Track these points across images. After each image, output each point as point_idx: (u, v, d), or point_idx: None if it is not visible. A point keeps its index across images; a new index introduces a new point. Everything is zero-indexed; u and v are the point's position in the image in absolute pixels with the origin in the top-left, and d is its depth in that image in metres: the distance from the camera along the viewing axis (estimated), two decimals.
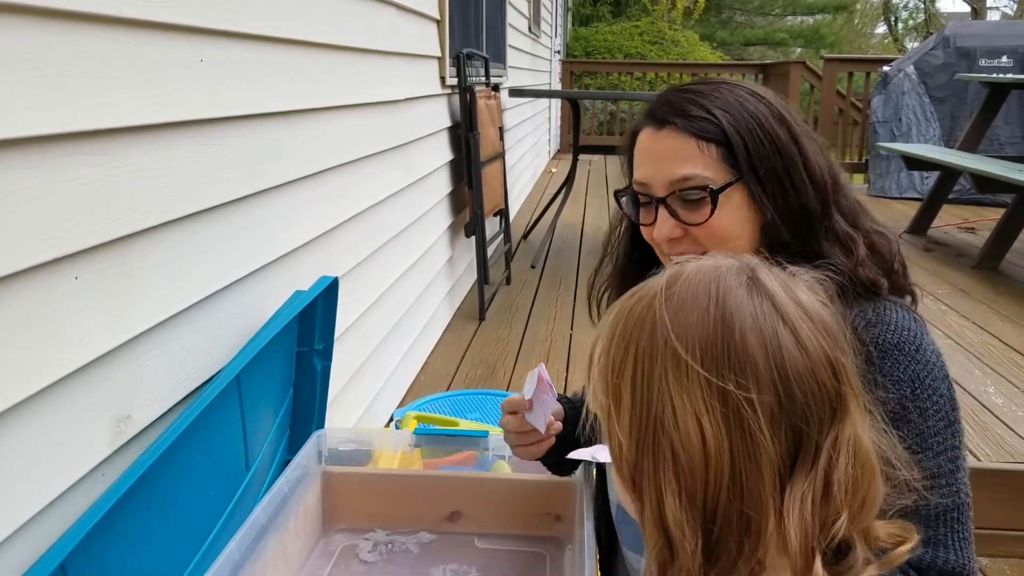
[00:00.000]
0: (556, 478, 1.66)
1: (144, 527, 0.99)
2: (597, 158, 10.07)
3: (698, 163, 0.98)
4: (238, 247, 1.37)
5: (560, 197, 5.06)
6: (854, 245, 0.97)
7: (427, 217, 3.02)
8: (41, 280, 0.89)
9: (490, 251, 3.72)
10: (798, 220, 0.98)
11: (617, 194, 1.09)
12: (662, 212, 1.01)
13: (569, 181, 4.98)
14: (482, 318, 3.56)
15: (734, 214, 0.99)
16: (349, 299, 1.95)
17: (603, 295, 1.23)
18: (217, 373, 1.23)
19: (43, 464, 0.90)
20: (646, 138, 1.03)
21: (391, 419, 2.47)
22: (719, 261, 0.68)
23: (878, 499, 0.65)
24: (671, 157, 1.00)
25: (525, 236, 5.15)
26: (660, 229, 1.02)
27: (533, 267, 4.53)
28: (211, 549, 1.17)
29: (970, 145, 5.77)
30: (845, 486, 0.63)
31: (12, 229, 0.84)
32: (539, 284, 4.21)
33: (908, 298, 1.03)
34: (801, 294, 0.66)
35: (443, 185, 3.34)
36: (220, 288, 1.28)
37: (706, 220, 0.99)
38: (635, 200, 1.06)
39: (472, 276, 3.94)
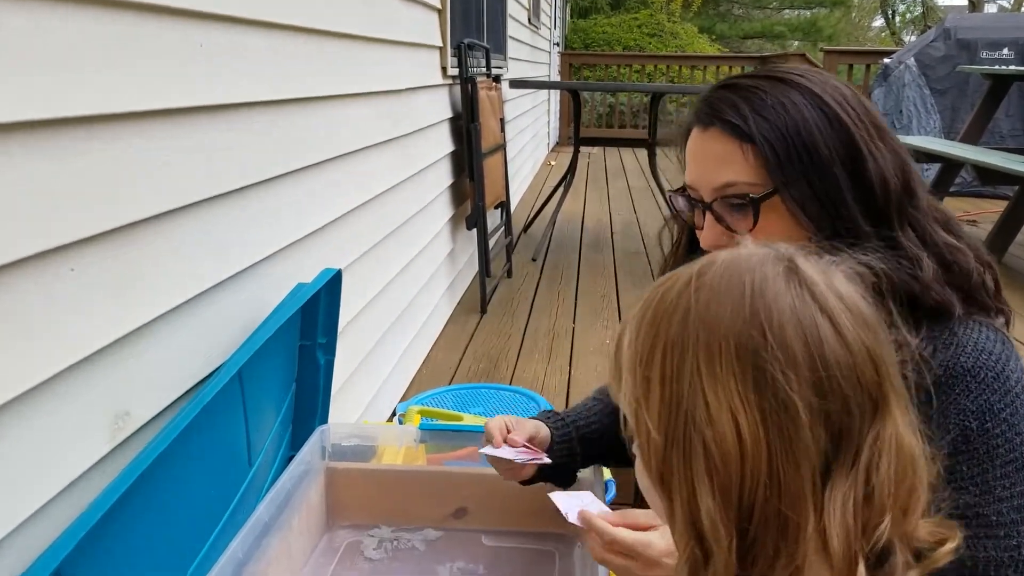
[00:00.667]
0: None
1: (144, 527, 0.95)
2: (596, 150, 10.03)
3: (740, 169, 0.93)
4: (239, 238, 1.33)
5: (561, 189, 5.02)
6: (919, 264, 0.88)
7: (429, 209, 2.99)
8: (34, 272, 0.85)
9: (491, 244, 3.68)
10: (847, 236, 0.88)
11: (670, 195, 1.04)
12: (708, 218, 0.98)
13: (571, 172, 4.94)
14: (484, 311, 3.52)
15: (779, 223, 0.93)
16: (351, 292, 1.92)
17: None
18: (219, 368, 1.19)
19: (39, 464, 0.86)
20: (694, 138, 0.99)
21: (394, 414, 2.43)
22: (754, 249, 0.65)
23: (922, 501, 0.62)
24: (715, 161, 0.95)
25: (526, 229, 5.12)
26: (706, 235, 0.99)
27: (534, 260, 4.50)
28: (213, 548, 1.13)
29: (972, 137, 5.74)
30: (888, 487, 0.59)
31: (2, 217, 0.80)
32: (540, 277, 4.17)
33: (1000, 319, 0.93)
34: (840, 284, 0.63)
35: (444, 177, 3.31)
36: (221, 280, 1.25)
37: (751, 229, 0.94)
38: (689, 201, 1.01)
39: (473, 269, 3.91)
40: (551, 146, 10.31)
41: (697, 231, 1.03)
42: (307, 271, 1.55)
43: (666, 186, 5.14)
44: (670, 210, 1.09)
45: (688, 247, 1.12)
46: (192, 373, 1.17)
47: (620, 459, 1.35)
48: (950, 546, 0.64)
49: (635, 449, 0.72)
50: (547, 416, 1.31)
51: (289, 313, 1.27)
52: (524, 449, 1.20)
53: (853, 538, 0.59)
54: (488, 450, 1.20)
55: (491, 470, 1.48)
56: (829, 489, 0.59)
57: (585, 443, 1.27)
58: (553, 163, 8.96)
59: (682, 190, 1.03)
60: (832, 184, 0.90)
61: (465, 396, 2.50)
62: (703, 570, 0.60)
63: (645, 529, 0.94)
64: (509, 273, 4.16)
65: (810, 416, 0.59)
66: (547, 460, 1.20)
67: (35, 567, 0.77)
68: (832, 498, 0.59)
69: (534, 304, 3.71)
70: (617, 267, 4.37)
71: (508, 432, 1.21)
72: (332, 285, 1.44)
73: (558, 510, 1.05)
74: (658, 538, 0.93)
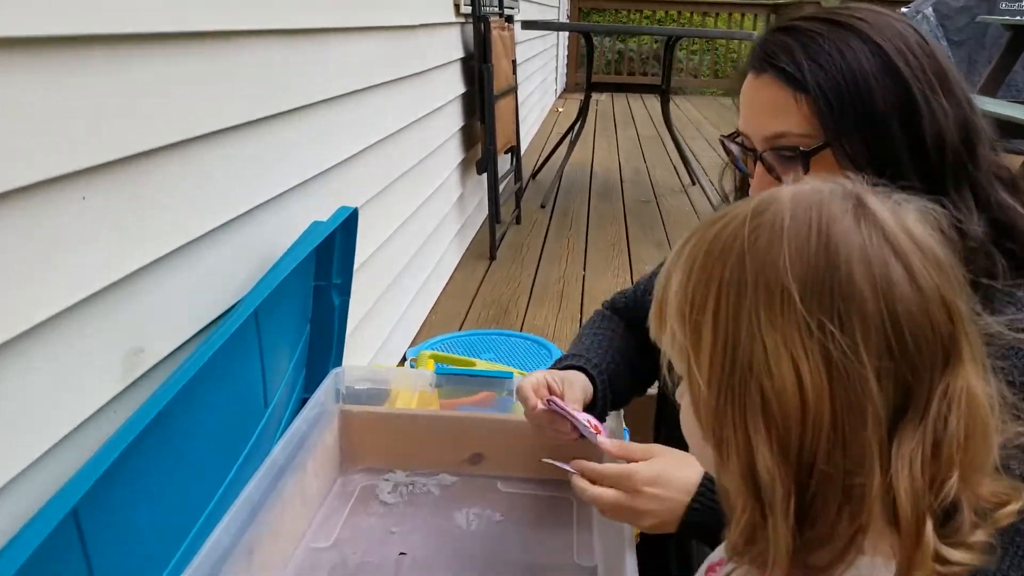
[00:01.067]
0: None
1: (161, 467, 0.92)
2: (604, 97, 9.89)
3: (792, 119, 0.88)
4: (255, 172, 1.28)
5: (572, 135, 4.94)
6: (967, 224, 0.83)
7: (440, 152, 2.92)
8: (45, 199, 0.80)
9: (500, 189, 3.62)
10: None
11: (723, 140, 1.00)
12: (759, 167, 0.94)
13: (581, 117, 4.85)
14: (493, 258, 3.48)
15: (831, 176, 0.90)
16: (363, 235, 1.87)
17: None
18: (234, 306, 1.15)
19: (51, 400, 0.83)
20: (747, 83, 0.94)
21: (404, 359, 2.40)
22: (819, 185, 0.60)
23: (991, 457, 0.58)
24: (767, 110, 0.91)
25: (534, 175, 5.04)
26: (756, 184, 0.95)
27: (543, 207, 4.44)
28: (229, 490, 1.11)
29: (989, 90, 5.62)
30: (957, 441, 0.55)
31: (11, 138, 0.76)
32: (549, 225, 4.12)
33: None
34: (912, 224, 0.58)
35: (455, 119, 3.23)
36: (236, 216, 1.20)
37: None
38: (741, 148, 0.97)
39: (481, 215, 3.85)
40: (558, 92, 10.16)
41: (749, 178, 1.00)
42: (322, 210, 1.50)
43: (679, 135, 5.05)
44: (726, 154, 1.05)
45: (741, 192, 1.09)
46: (207, 311, 1.13)
47: (632, 396, 1.33)
48: (1013, 507, 0.60)
49: (679, 398, 0.69)
50: (581, 366, 1.21)
51: (305, 251, 1.23)
52: (590, 420, 1.10)
53: (921, 496, 0.55)
54: (562, 404, 1.08)
55: (508, 416, 1.45)
56: (896, 444, 0.55)
57: (612, 389, 1.24)
58: (561, 110, 8.83)
59: (735, 136, 0.99)
60: (887, 139, 0.86)
61: (475, 342, 2.47)
62: (761, 530, 0.56)
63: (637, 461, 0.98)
64: (518, 220, 4.10)
65: (878, 367, 0.54)
66: (604, 441, 1.09)
67: (50, 506, 0.74)
68: (900, 454, 0.55)
69: (543, 251, 3.66)
70: (627, 216, 4.31)
71: (550, 392, 1.12)
72: (348, 224, 1.39)
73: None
74: (644, 468, 0.96)
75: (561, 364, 1.22)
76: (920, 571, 0.55)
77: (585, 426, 1.08)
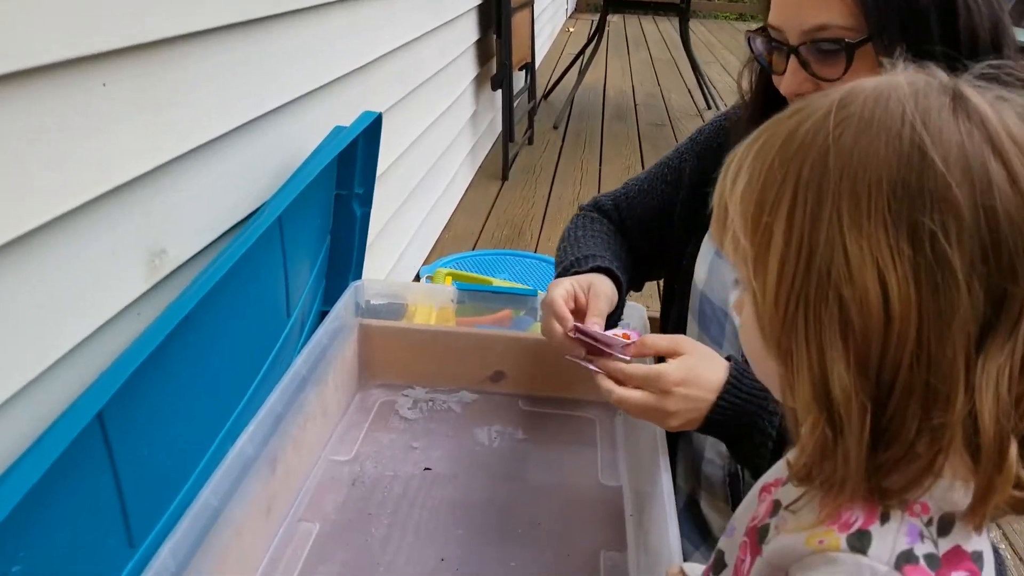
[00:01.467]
0: None
1: (186, 374, 0.89)
2: (617, 19, 9.63)
3: (834, 10, 0.84)
4: (278, 70, 1.22)
5: (586, 54, 4.81)
6: None
7: (455, 65, 2.83)
8: (65, 83, 0.75)
9: (514, 107, 3.53)
10: None
11: (749, 36, 0.95)
12: (792, 63, 0.89)
13: (598, 34, 4.71)
14: (505, 177, 3.42)
15: (865, 74, 0.85)
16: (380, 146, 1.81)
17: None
18: (257, 211, 1.11)
19: (74, 297, 0.79)
20: None
21: (417, 276, 2.37)
22: (914, 76, 0.54)
23: None
24: (808, 1, 0.86)
25: (546, 96, 4.93)
26: (789, 82, 0.90)
27: (556, 128, 4.34)
28: (252, 400, 1.08)
29: (1014, 19, 5.48)
30: None
31: (27, 12, 0.70)
32: (562, 146, 4.03)
33: None
34: (1012, 123, 0.52)
35: (471, 31, 3.12)
36: (260, 115, 1.14)
37: (840, 76, 0.86)
38: (769, 44, 0.92)
39: (493, 134, 3.77)
40: (569, 12, 9.90)
41: (774, 76, 0.95)
42: (344, 115, 1.44)
43: (698, 57, 4.92)
44: (750, 51, 1.00)
45: (763, 96, 1.03)
46: (229, 214, 1.08)
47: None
48: None
49: (737, 309, 0.64)
50: (607, 267, 1.14)
51: (330, 157, 1.18)
52: (623, 337, 1.02)
53: (1006, 415, 0.51)
54: (594, 333, 1.00)
55: (530, 334, 1.42)
56: (982, 360, 0.51)
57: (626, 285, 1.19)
58: (572, 30, 8.61)
59: (763, 31, 0.94)
60: (924, 33, 0.83)
61: (490, 262, 2.43)
62: (832, 451, 0.52)
63: (664, 357, 0.95)
64: (531, 140, 4.01)
65: (971, 276, 0.49)
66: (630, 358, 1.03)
67: (76, 408, 0.71)
68: (986, 370, 0.50)
69: (557, 172, 3.59)
70: (642, 138, 4.22)
71: (579, 308, 1.07)
72: (371, 131, 1.33)
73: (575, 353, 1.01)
74: (673, 368, 0.92)
75: (585, 267, 1.14)
76: (999, 495, 0.51)
77: (619, 347, 1.03)
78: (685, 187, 1.21)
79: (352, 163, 1.35)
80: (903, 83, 0.53)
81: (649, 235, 1.26)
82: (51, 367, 0.76)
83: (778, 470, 0.66)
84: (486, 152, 3.72)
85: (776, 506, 0.61)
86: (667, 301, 1.30)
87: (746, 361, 0.97)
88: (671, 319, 1.26)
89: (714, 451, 1.13)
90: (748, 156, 0.57)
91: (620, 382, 0.95)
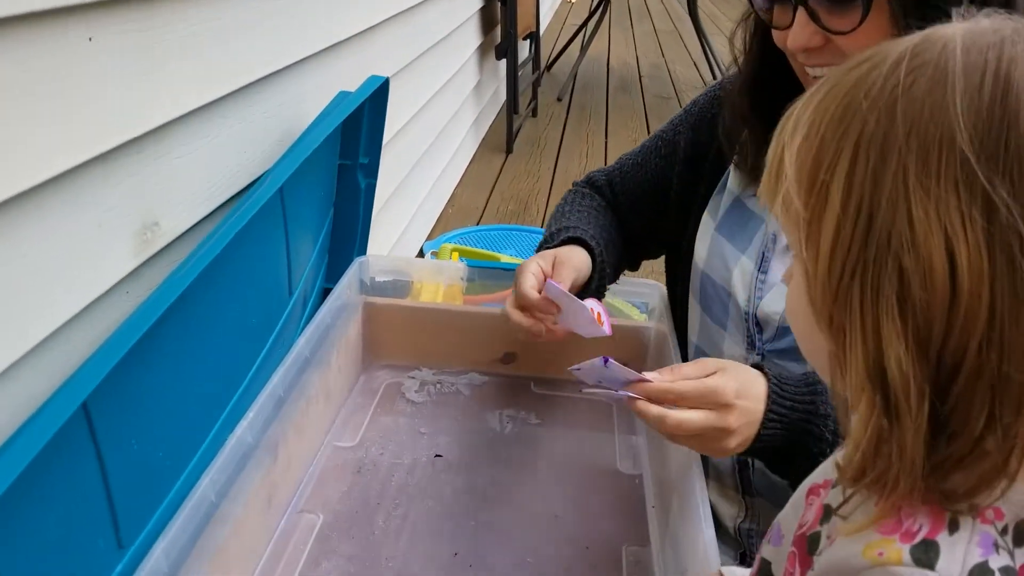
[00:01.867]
0: (624, 321, 1.51)
1: (180, 357, 0.82)
2: None
3: None
4: (280, 30, 1.14)
5: (591, 24, 4.70)
6: None
7: (459, 33, 2.74)
8: (47, 36, 0.67)
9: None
10: None
11: None
12: (800, 15, 0.82)
13: (603, 4, 4.60)
14: (509, 150, 3.33)
15: (877, 28, 0.78)
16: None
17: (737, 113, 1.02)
18: (257, 181, 1.03)
19: (55, 274, 0.71)
20: None
21: (421, 252, 2.29)
22: (998, 23, 0.47)
23: None
24: None
25: (549, 67, 4.83)
26: (796, 36, 0.83)
27: (559, 100, 4.25)
28: (253, 382, 1.01)
29: None
30: None
31: None
32: (567, 118, 3.94)
33: None
34: None
35: None
36: (260, 78, 1.07)
37: (853, 28, 0.78)
38: None
39: (497, 105, 3.67)
40: None
41: (775, 32, 0.88)
42: (347, 80, 1.36)
43: (705, 26, 4.81)
44: (749, 4, 0.92)
45: (759, 60, 0.97)
46: (226, 185, 1.01)
47: (614, 280, 1.20)
48: None
49: (785, 278, 0.58)
50: (577, 236, 1.07)
51: (334, 124, 1.10)
52: (593, 308, 0.97)
53: None
54: (552, 289, 0.93)
55: None
56: None
57: (608, 264, 1.11)
58: (573, 1, 8.47)
59: None
60: None
61: (496, 237, 2.36)
62: (886, 442, 0.46)
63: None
64: (534, 112, 3.92)
65: None
66: (608, 333, 0.98)
67: (58, 398, 0.64)
68: None
69: (562, 145, 3.51)
70: (648, 112, 4.13)
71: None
72: (378, 97, 1.25)
73: (588, 384, 0.88)
74: (724, 380, 0.81)
75: (557, 240, 1.07)
76: None
77: (587, 320, 0.95)
78: (680, 161, 1.14)
79: (357, 131, 1.27)
80: (989, 30, 0.46)
81: (643, 211, 1.19)
82: (30, 352, 0.68)
83: (826, 471, 0.60)
84: (489, 124, 3.63)
85: (827, 511, 0.54)
86: (672, 282, 1.23)
87: (760, 363, 0.90)
88: (678, 299, 1.19)
89: None
90: (808, 108, 0.50)
91: (659, 403, 0.82)
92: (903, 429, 0.45)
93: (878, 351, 0.45)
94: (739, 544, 1.09)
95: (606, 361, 0.82)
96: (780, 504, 1.05)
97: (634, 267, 1.28)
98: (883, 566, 0.45)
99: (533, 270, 1.00)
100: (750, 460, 1.04)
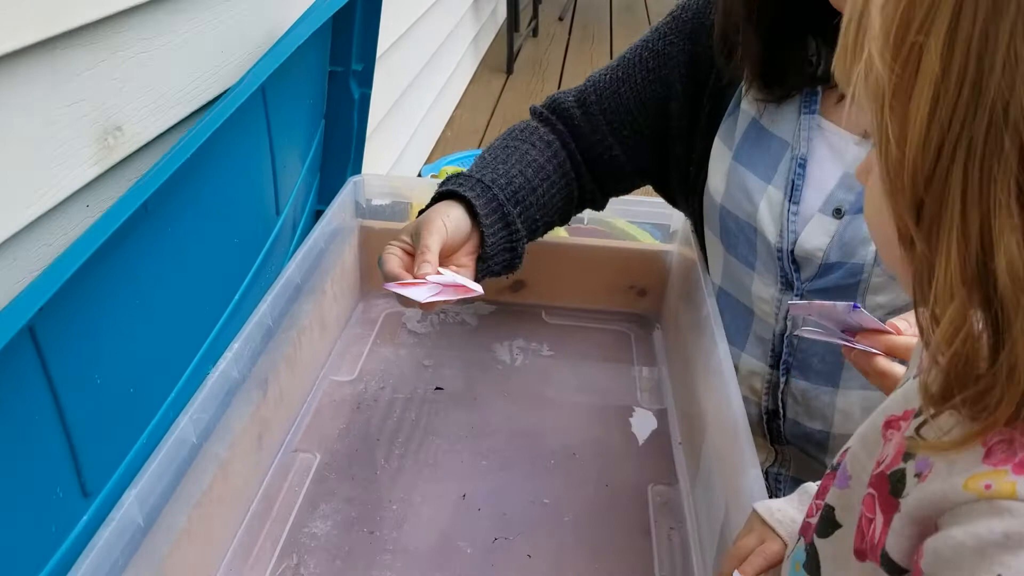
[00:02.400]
0: (638, 245, 1.40)
1: (148, 280, 0.71)
2: None
3: None
4: None
5: None
6: None
7: None
8: None
9: None
10: None
11: None
12: None
13: None
14: (510, 71, 3.18)
15: None
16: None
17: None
18: (236, 83, 0.91)
19: (5, 180, 0.61)
20: None
21: (419, 177, 2.17)
22: None
23: None
24: None
25: None
26: None
27: (561, 20, 4.07)
28: (238, 310, 0.91)
29: None
30: None
31: None
32: (569, 38, 3.77)
33: None
34: None
35: None
36: None
37: None
38: None
39: (496, 24, 3.50)
40: None
41: None
42: None
43: None
44: None
45: None
46: (200, 88, 0.89)
47: (555, 223, 1.06)
48: None
49: (857, 174, 0.47)
50: (457, 186, 0.94)
51: (322, 20, 0.97)
52: (444, 281, 0.82)
53: None
54: (394, 287, 0.81)
55: (553, 238, 1.22)
56: None
57: (523, 207, 0.96)
58: None
59: None
60: None
61: None
62: (988, 359, 0.36)
63: None
64: (535, 32, 3.75)
65: None
66: (478, 291, 0.84)
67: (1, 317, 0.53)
68: None
69: (565, 66, 3.35)
70: None
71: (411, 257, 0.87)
72: None
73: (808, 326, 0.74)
74: None
75: (432, 197, 0.95)
76: None
77: (436, 293, 0.81)
78: (679, 78, 0.98)
79: (349, 33, 1.14)
80: None
81: (623, 134, 1.02)
82: None
83: (905, 399, 0.50)
84: (488, 44, 3.46)
85: (911, 445, 0.45)
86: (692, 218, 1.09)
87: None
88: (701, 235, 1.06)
89: (746, 386, 0.96)
90: None
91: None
92: (1013, 342, 0.35)
93: (984, 247, 0.35)
94: (767, 490, 1.00)
95: (855, 307, 0.68)
96: (811, 453, 0.97)
97: (599, 206, 1.11)
98: (990, 499, 0.38)
99: (394, 264, 0.85)
100: (781, 410, 0.94)
